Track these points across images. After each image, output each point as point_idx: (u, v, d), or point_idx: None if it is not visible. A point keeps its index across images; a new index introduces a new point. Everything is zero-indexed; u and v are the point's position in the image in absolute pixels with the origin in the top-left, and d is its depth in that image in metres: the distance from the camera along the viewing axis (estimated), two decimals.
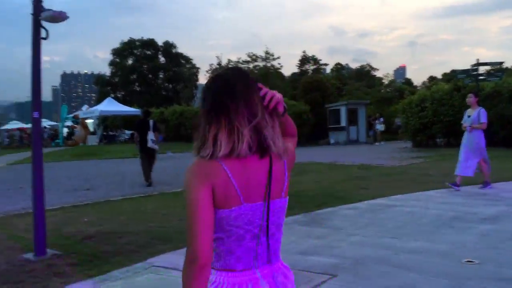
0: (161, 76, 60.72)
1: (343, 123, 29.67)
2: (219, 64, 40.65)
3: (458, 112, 17.53)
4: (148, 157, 11.73)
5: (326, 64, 56.13)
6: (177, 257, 5.30)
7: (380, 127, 28.85)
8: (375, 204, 8.03)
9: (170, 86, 60.40)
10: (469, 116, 9.30)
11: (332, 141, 29.97)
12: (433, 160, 15.79)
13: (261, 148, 1.48)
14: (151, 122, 12.08)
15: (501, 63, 23.20)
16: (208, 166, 1.45)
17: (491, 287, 3.99)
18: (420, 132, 22.14)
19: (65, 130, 38.79)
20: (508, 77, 21.51)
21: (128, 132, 31.30)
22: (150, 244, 5.96)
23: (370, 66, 56.37)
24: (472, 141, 9.17)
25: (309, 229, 6.39)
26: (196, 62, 64.02)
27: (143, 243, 6.01)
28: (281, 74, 42.11)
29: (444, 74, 58.62)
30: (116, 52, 58.70)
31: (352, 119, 29.55)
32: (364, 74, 52.83)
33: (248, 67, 39.32)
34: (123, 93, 57.50)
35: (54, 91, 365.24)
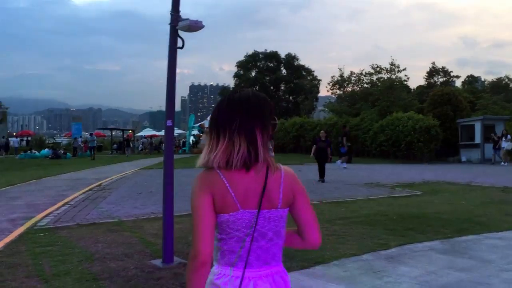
0: (282, 88, 61.51)
1: (478, 140, 27.13)
2: (341, 76, 39.86)
3: None
4: None
5: (457, 76, 52.35)
6: (302, 278, 4.97)
7: (507, 145, 25.59)
8: None
9: (291, 98, 60.89)
10: None
11: (463, 158, 27.57)
12: None
13: (256, 162, 1.69)
14: None
15: None
16: (209, 177, 1.69)
17: None
18: None
19: (191, 138, 40.93)
20: None
21: None
22: None
23: (509, 79, 51.24)
24: None
25: (450, 258, 5.66)
26: (317, 74, 63.27)
27: None
28: (406, 87, 40.01)
29: None
30: (240, 64, 60.77)
31: (488, 136, 26.87)
32: (502, 87, 48.14)
33: (372, 79, 38.01)
34: None
35: (183, 101, 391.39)
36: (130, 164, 25.10)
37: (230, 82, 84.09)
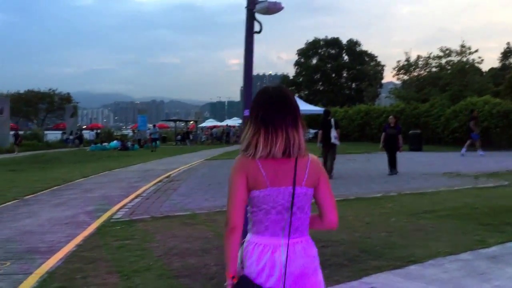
0: (344, 75, 60.14)
1: None
2: (407, 60, 38.08)
3: None
4: (329, 152, 13.00)
5: None
6: (397, 279, 4.53)
7: None
8: None
9: (353, 85, 59.42)
10: None
11: None
12: None
13: (289, 151, 1.99)
14: (332, 120, 13.25)
15: None
16: (246, 161, 2.00)
17: None
18: None
19: None
20: None
21: (312, 131, 31.31)
22: (359, 258, 5.30)
23: None
24: None
25: None
26: (381, 59, 61.32)
27: (351, 255, 5.39)
28: (479, 70, 37.62)
29: None
30: (301, 52, 59.99)
31: None
32: None
33: (440, 63, 36.05)
34: (306, 92, 58.37)
35: (242, 92, 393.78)
36: (194, 155, 25.36)
37: (289, 71, 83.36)
